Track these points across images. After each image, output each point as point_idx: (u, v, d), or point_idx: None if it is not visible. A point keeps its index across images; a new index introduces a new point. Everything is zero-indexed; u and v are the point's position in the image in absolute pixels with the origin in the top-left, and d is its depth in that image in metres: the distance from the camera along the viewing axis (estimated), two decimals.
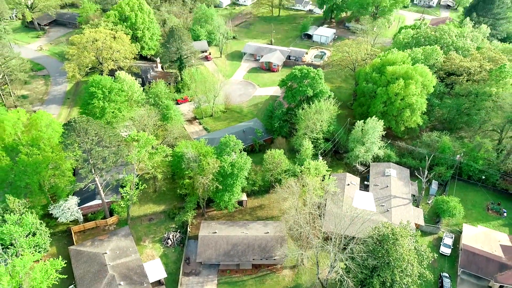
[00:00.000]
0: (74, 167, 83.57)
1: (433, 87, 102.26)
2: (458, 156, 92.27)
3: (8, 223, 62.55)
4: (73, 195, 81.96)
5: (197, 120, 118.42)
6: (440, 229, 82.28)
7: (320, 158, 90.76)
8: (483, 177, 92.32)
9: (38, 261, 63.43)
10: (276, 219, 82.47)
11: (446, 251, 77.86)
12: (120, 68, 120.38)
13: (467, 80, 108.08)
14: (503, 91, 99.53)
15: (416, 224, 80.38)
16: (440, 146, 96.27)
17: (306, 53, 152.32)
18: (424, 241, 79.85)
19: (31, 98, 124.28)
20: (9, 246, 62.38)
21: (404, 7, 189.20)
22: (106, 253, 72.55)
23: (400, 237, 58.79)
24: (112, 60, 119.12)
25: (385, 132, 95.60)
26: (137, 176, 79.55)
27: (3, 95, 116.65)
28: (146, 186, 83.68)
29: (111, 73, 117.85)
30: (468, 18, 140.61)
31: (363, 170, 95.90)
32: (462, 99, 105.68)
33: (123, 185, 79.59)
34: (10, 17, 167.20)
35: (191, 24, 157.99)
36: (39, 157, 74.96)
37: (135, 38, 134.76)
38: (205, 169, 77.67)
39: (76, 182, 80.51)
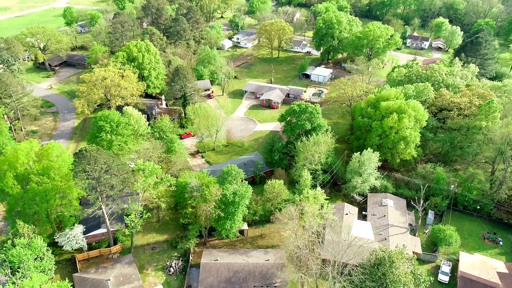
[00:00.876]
0: (80, 197, 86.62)
1: (426, 121, 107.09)
2: (452, 186, 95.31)
3: (18, 247, 64.73)
4: (79, 223, 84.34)
5: (199, 154, 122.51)
6: (437, 257, 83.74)
7: (319, 187, 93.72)
8: (478, 207, 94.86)
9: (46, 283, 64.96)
10: (277, 247, 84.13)
11: (444, 278, 78.99)
12: (127, 105, 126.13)
13: (458, 115, 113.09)
14: (493, 124, 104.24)
15: (414, 252, 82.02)
16: (434, 177, 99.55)
17: (305, 91, 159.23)
18: (423, 269, 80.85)
19: (40, 133, 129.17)
20: (17, 270, 64.17)
21: (397, 49, 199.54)
22: (109, 280, 73.92)
23: (396, 259, 60.80)
24: (120, 97, 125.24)
25: (382, 163, 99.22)
26: (141, 205, 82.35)
27: (14, 130, 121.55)
28: (150, 215, 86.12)
29: (118, 109, 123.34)
30: (457, 58, 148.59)
31: (361, 200, 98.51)
32: (454, 133, 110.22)
33: (128, 213, 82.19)
34: (23, 58, 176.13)
35: (195, 65, 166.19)
36: (48, 185, 78.16)
37: (141, 77, 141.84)
38: (208, 198, 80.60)
39: (82, 212, 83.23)
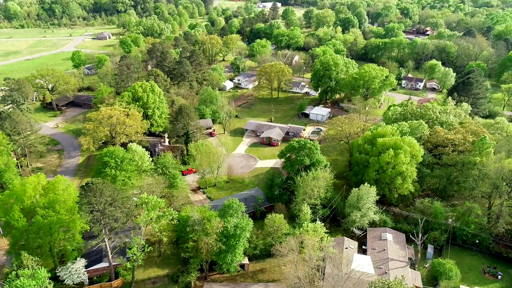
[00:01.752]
0: (83, 231, 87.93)
1: (422, 157, 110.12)
2: (450, 220, 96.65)
3: (22, 278, 65.63)
4: (81, 257, 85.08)
5: (201, 190, 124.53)
6: None
7: (318, 221, 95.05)
8: (477, 241, 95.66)
9: None
10: (278, 282, 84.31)
11: None
12: (131, 142, 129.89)
13: (453, 151, 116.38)
14: (487, 160, 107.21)
15: (414, 286, 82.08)
16: (432, 212, 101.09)
17: (304, 130, 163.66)
18: None
19: (45, 170, 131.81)
20: None
21: (393, 89, 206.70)
22: None
23: None
24: (125, 135, 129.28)
25: (380, 198, 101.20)
26: (143, 239, 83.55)
27: (20, 166, 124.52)
28: (151, 249, 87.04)
29: (123, 146, 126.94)
30: (450, 97, 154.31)
31: (360, 234, 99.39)
32: (450, 168, 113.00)
33: (130, 247, 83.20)
34: (32, 98, 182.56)
35: (197, 104, 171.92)
36: (53, 218, 79.92)
37: (145, 116, 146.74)
38: (209, 231, 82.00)
39: (85, 244, 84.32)
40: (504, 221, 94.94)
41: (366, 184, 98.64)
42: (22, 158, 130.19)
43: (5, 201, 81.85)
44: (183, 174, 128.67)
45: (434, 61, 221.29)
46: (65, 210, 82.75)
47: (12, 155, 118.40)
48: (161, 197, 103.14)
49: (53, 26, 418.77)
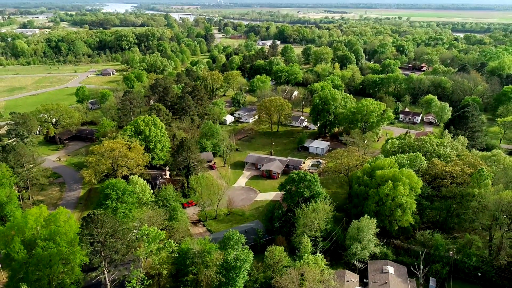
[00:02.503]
0: (83, 264, 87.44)
1: (421, 189, 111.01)
2: (451, 252, 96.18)
3: None
4: None
5: (201, 222, 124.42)
6: None
7: (319, 253, 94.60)
8: (479, 274, 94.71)
9: None
10: None
11: None
12: (132, 174, 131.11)
13: (451, 183, 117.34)
14: (485, 191, 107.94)
15: None
16: (433, 244, 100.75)
17: (303, 163, 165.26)
18: None
19: (46, 203, 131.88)
20: None
21: (391, 123, 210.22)
22: None
23: None
24: (126, 167, 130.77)
25: (381, 231, 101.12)
26: (143, 271, 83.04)
27: (22, 199, 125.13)
28: (151, 282, 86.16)
29: (124, 178, 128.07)
30: (446, 131, 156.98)
31: (361, 267, 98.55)
32: (449, 200, 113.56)
33: (129, 280, 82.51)
34: (35, 132, 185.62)
35: (198, 138, 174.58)
36: (53, 250, 79.91)
37: (147, 149, 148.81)
38: (209, 264, 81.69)
39: (84, 277, 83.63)
40: (506, 253, 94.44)
41: (366, 216, 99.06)
42: (24, 191, 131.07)
43: (6, 232, 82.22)
44: (183, 207, 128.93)
45: (430, 96, 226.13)
46: (66, 242, 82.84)
47: (14, 187, 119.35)
48: (161, 229, 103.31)
49: (59, 63, 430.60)
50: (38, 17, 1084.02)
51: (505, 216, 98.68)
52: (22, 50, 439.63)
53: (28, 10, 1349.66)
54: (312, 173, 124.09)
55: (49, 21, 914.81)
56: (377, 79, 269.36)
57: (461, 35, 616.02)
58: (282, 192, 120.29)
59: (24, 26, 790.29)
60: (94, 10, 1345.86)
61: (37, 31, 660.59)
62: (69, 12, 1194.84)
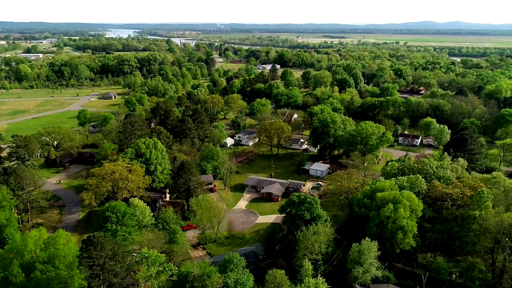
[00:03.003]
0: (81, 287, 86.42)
1: (421, 211, 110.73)
2: (454, 276, 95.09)
3: None
4: None
5: (201, 246, 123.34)
6: None
7: (320, 277, 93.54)
8: None
9: None
10: None
11: None
12: (133, 197, 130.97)
13: (452, 205, 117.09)
14: (486, 214, 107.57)
15: None
16: (435, 267, 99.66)
17: (304, 185, 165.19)
18: None
19: (45, 226, 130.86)
20: None
21: (390, 146, 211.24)
22: None
23: None
24: (127, 190, 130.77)
25: (382, 254, 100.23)
26: None
27: (21, 222, 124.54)
28: None
29: (124, 201, 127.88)
30: (446, 153, 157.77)
31: None
32: (451, 223, 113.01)
33: None
34: (36, 155, 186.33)
35: (198, 160, 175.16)
36: (52, 274, 79.12)
37: (147, 172, 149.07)
38: None
39: None
40: (509, 277, 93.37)
41: (367, 239, 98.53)
42: (23, 214, 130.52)
43: (5, 256, 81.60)
44: (183, 230, 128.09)
45: (429, 119, 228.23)
46: (64, 265, 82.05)
47: (14, 210, 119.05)
48: (161, 253, 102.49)
49: (61, 87, 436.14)
50: (42, 42, 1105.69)
51: (507, 239, 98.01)
52: (25, 74, 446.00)
53: (33, 36, 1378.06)
54: (312, 195, 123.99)
55: (53, 46, 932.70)
56: (376, 102, 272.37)
57: (458, 59, 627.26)
58: (283, 215, 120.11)
59: (28, 50, 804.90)
60: (97, 36, 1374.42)
61: (40, 55, 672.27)
62: (73, 38, 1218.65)
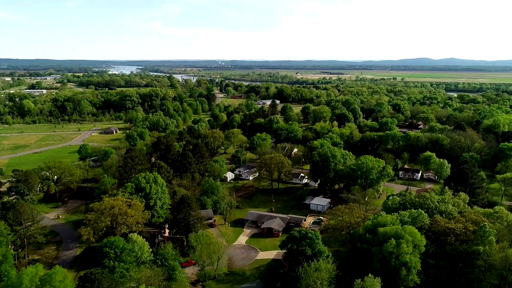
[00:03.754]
0: None
1: (424, 246, 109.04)
2: None
3: None
4: None
5: (200, 283, 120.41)
6: None
7: None
8: None
9: None
10: None
11: None
12: (131, 232, 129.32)
13: (455, 241, 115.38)
14: (490, 249, 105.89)
15: None
16: None
17: (304, 220, 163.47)
18: None
19: (41, 262, 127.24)
20: None
21: (391, 180, 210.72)
22: None
23: None
24: (126, 225, 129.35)
25: None
26: None
27: (17, 258, 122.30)
28: None
29: (122, 236, 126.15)
30: (447, 187, 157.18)
31: None
32: (455, 259, 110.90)
33: None
34: (35, 190, 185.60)
35: (198, 195, 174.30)
36: None
37: (147, 206, 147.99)
38: None
39: None
40: None
41: (370, 275, 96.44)
42: (20, 250, 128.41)
43: None
44: (182, 266, 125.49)
45: (428, 153, 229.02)
46: None
47: (10, 245, 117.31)
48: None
49: (63, 122, 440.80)
50: (46, 78, 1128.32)
51: None
52: (28, 110, 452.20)
53: (37, 72, 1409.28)
54: (313, 230, 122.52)
55: (56, 82, 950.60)
56: (375, 136, 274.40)
57: (455, 94, 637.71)
58: (284, 251, 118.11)
59: (32, 86, 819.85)
60: (101, 72, 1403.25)
61: (44, 91, 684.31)
62: (77, 74, 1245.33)
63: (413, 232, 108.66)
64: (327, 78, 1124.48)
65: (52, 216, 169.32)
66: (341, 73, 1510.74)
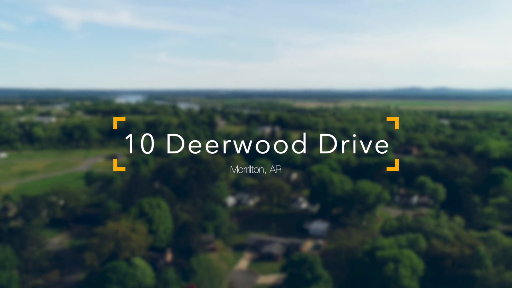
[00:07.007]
0: None
1: (422, 271, 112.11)
2: None
3: None
4: None
5: None
6: None
7: None
8: None
9: None
10: None
11: None
12: (134, 256, 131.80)
13: (452, 265, 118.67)
14: (487, 272, 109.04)
15: None
16: None
17: (304, 244, 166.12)
18: None
19: (44, 287, 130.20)
20: None
21: (388, 205, 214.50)
22: None
23: None
24: (128, 250, 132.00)
25: None
26: None
27: (22, 283, 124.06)
28: None
29: (125, 260, 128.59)
30: (442, 212, 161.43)
31: None
32: (453, 283, 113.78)
33: None
34: (42, 215, 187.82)
35: (200, 219, 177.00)
36: None
37: (149, 231, 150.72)
38: None
39: None
40: None
41: None
42: (24, 274, 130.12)
43: None
44: None
45: (423, 178, 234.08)
46: None
47: (15, 270, 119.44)
48: None
49: (71, 148, 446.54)
50: (56, 107, 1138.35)
51: None
52: (38, 137, 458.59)
53: (47, 101, 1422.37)
54: (313, 255, 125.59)
55: (65, 110, 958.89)
56: (372, 162, 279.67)
57: (447, 121, 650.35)
58: (284, 275, 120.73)
59: (42, 114, 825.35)
60: (108, 101, 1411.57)
61: (53, 118, 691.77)
62: (85, 103, 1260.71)
63: (411, 256, 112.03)
64: (324, 106, 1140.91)
65: (56, 240, 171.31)
66: (337, 101, 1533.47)
